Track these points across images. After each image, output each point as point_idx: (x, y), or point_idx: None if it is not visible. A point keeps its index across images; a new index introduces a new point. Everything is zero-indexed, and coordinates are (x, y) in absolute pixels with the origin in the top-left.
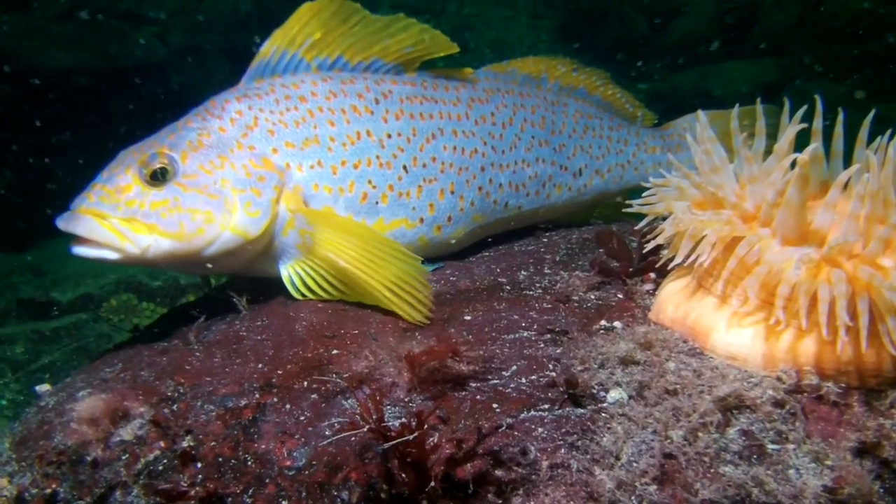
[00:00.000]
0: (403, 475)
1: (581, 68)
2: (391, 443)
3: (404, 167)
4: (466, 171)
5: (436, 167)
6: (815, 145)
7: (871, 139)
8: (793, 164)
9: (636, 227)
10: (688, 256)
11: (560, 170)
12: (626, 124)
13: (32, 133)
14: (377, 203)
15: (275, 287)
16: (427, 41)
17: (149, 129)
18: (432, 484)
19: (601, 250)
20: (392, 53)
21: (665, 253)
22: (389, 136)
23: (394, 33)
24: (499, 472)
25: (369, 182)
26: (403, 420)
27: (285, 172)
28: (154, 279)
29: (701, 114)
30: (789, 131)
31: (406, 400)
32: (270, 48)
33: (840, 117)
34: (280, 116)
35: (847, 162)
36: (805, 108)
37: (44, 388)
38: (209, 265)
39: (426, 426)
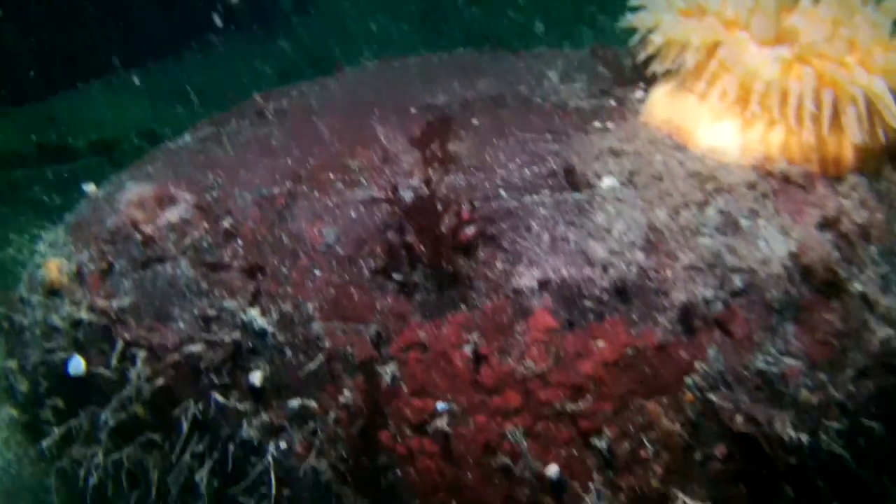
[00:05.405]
0: (421, 246)
1: None
2: (410, 193)
3: None
4: None
5: None
6: None
7: None
8: None
9: (629, 45)
10: (674, 61)
11: None
12: None
13: None
14: None
15: (297, 94)
16: None
17: None
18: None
19: (597, 65)
20: None
21: (656, 63)
22: None
23: None
24: (505, 244)
25: None
26: (416, 185)
27: None
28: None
29: None
30: None
31: (419, 187)
32: None
33: None
34: None
35: None
36: None
37: (90, 187)
38: None
39: (437, 198)
